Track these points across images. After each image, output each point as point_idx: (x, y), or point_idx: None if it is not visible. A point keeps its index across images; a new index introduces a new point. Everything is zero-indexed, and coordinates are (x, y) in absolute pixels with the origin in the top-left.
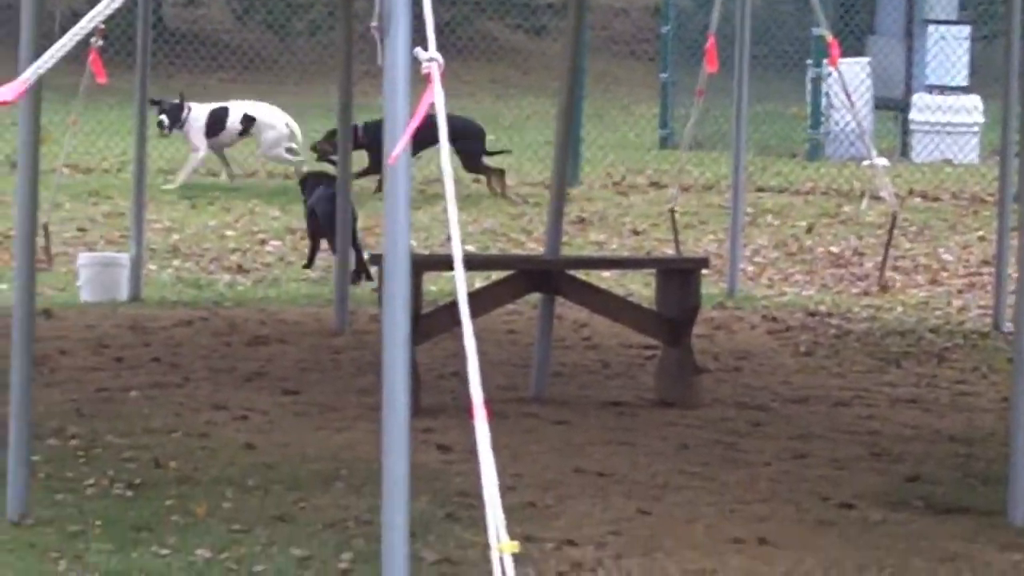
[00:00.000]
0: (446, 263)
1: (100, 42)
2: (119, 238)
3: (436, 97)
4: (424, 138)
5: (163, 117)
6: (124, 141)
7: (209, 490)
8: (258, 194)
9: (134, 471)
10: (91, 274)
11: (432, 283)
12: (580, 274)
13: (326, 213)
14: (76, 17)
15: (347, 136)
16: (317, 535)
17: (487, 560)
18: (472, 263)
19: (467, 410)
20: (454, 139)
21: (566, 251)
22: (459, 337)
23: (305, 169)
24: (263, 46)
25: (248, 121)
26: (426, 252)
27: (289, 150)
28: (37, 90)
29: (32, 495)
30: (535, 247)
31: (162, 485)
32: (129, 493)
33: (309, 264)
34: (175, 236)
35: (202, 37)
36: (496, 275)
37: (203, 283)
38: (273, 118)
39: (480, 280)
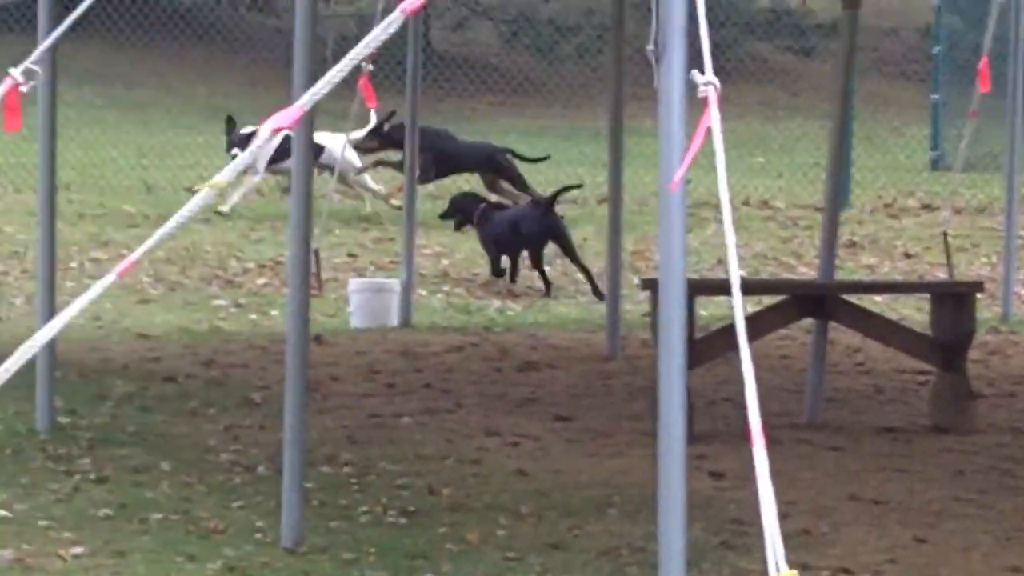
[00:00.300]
0: (719, 287)
1: (370, 67)
2: (388, 264)
3: (712, 121)
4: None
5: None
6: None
7: (482, 517)
8: None
9: (407, 498)
10: (362, 300)
11: (702, 308)
12: (852, 298)
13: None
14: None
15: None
16: (591, 563)
17: None
18: (746, 288)
19: (741, 436)
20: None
21: (837, 275)
22: (731, 362)
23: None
24: (531, 69)
25: (316, 150)
26: (695, 276)
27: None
28: (311, 116)
29: (306, 523)
30: (806, 271)
31: (435, 512)
32: (403, 520)
33: (513, 279)
34: (444, 261)
35: (471, 61)
36: (767, 300)
37: (473, 308)
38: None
39: (751, 305)
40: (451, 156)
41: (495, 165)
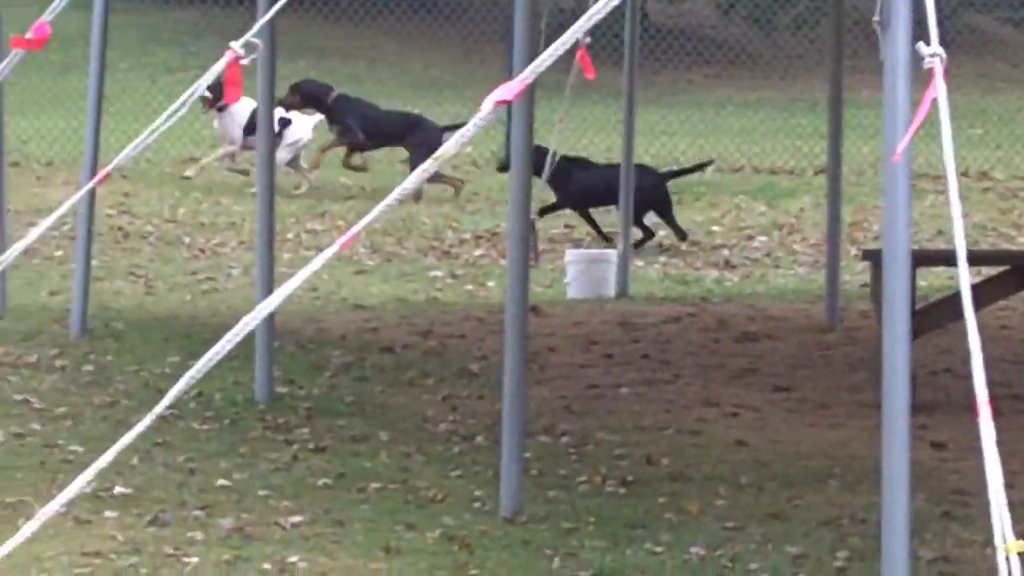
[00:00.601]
0: (941, 258)
1: (588, 39)
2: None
3: (939, 93)
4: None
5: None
6: (609, 137)
7: (702, 487)
8: (744, 189)
9: (626, 468)
10: (579, 271)
11: (921, 279)
12: None
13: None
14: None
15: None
16: (812, 533)
17: (984, 559)
18: (969, 258)
19: (962, 407)
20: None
21: None
22: (951, 333)
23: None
24: (748, 41)
25: (282, 124)
26: (915, 247)
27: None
28: (531, 89)
29: (525, 492)
30: None
31: (654, 482)
32: (622, 490)
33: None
34: (661, 232)
35: (687, 32)
36: (987, 271)
37: (690, 279)
38: (302, 126)
39: (972, 276)
40: (373, 123)
41: (418, 139)
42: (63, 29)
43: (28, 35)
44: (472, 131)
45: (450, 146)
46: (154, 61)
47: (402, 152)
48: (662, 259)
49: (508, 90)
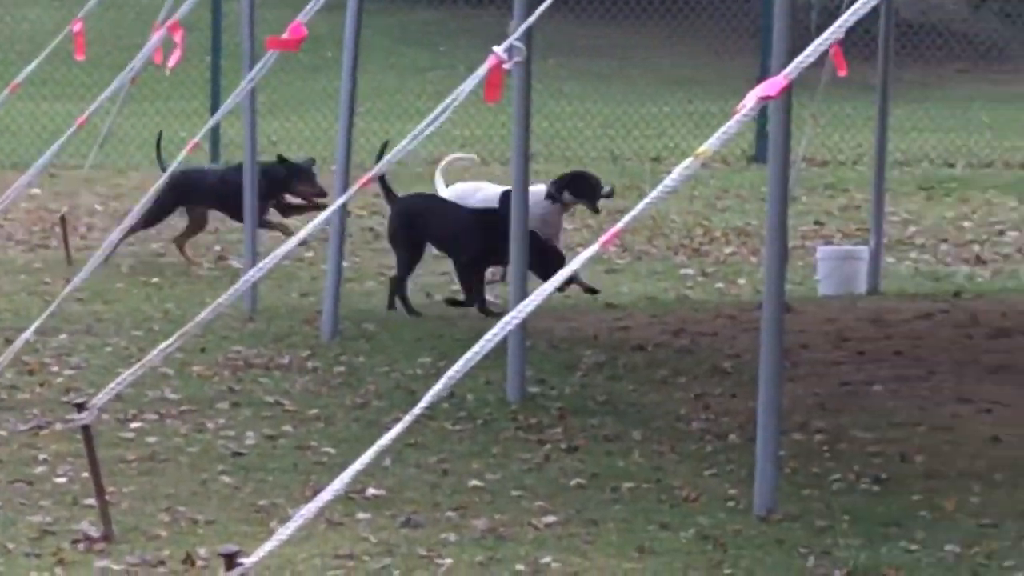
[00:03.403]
0: None
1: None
2: (855, 231)
3: None
4: None
5: None
6: (860, 134)
7: (956, 484)
8: (995, 184)
9: (880, 465)
10: (830, 267)
11: None
12: None
13: None
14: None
15: None
16: None
17: None
18: None
19: None
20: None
21: None
22: None
23: None
24: (999, 35)
25: None
26: None
27: None
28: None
29: (779, 491)
30: None
31: (908, 480)
32: (875, 488)
33: None
34: (912, 228)
35: (937, 28)
36: None
37: (941, 275)
38: None
39: None
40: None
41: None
42: (312, 30)
43: (284, 36)
44: (735, 127)
45: (712, 142)
46: (403, 61)
47: (652, 148)
48: (913, 255)
49: (771, 86)
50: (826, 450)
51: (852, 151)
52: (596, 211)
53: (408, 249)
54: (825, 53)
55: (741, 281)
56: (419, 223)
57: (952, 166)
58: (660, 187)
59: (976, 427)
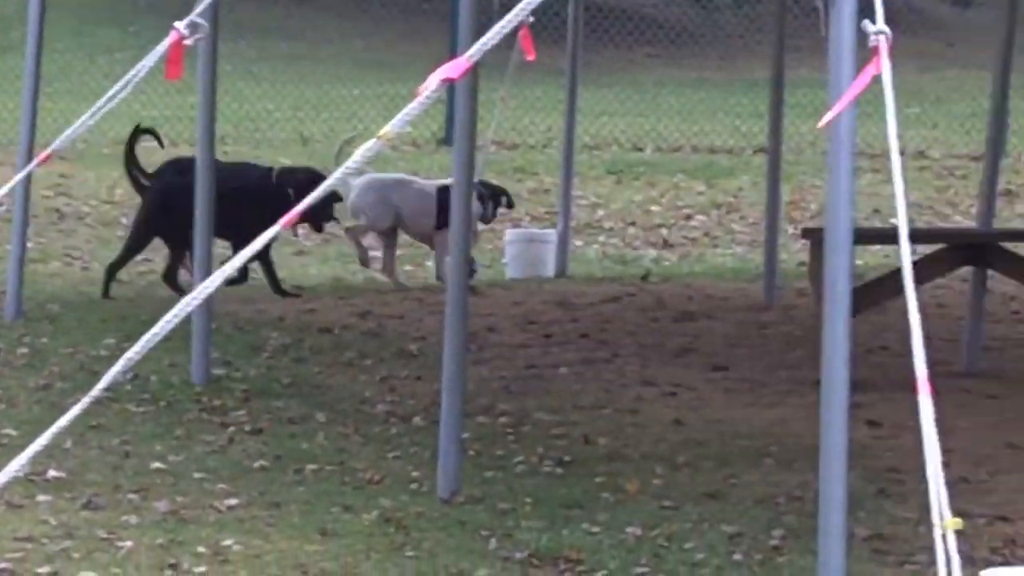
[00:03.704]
0: (880, 236)
1: (531, 19)
2: (544, 214)
3: (884, 71)
4: None
5: None
6: (550, 117)
7: (639, 467)
8: (683, 168)
9: (563, 448)
10: (517, 250)
11: (858, 257)
12: (1011, 247)
13: None
14: None
15: None
16: (747, 512)
17: (919, 536)
18: (909, 236)
19: (897, 385)
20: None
21: (995, 224)
22: (888, 312)
23: None
24: (689, 20)
25: None
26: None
27: None
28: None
29: (462, 473)
30: (961, 220)
31: (591, 462)
32: (559, 470)
33: None
34: (600, 211)
35: (628, 12)
36: (923, 249)
37: (629, 258)
38: None
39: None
40: None
41: None
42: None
43: None
44: (418, 109)
45: (395, 124)
46: (93, 41)
47: (342, 130)
48: (601, 238)
49: (454, 68)
50: (510, 433)
51: (542, 135)
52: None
53: (147, 237)
54: (515, 36)
55: (429, 264)
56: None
57: (641, 150)
58: (342, 168)
59: (660, 410)
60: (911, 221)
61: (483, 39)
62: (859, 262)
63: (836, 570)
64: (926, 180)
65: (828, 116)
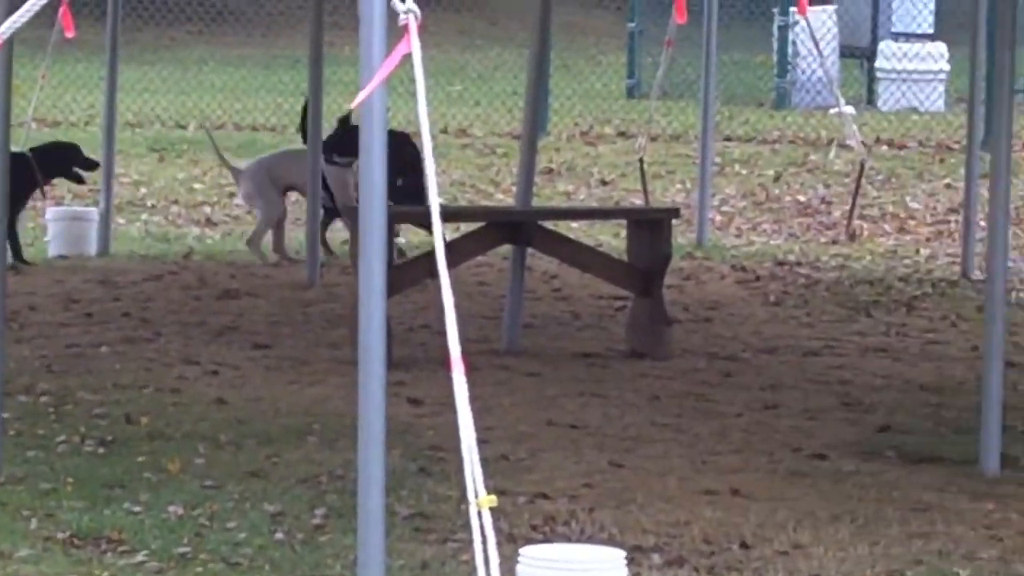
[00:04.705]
0: (418, 216)
1: None
2: (87, 192)
3: (413, 50)
4: None
5: None
6: (92, 95)
7: (181, 446)
8: (226, 146)
9: (106, 427)
10: (59, 228)
11: (410, 235)
12: (550, 225)
13: None
14: None
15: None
16: (290, 491)
17: (461, 514)
18: (445, 215)
19: (439, 363)
20: None
21: (535, 202)
22: (429, 290)
23: None
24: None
25: None
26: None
27: None
28: (8, 44)
29: (4, 453)
30: (503, 198)
31: (134, 441)
32: (101, 450)
33: None
34: (143, 189)
35: None
36: (465, 227)
37: (172, 237)
38: None
39: (450, 232)
40: None
41: None
42: None
43: None
44: None
45: None
46: None
47: None
48: (144, 216)
49: None
50: (52, 412)
51: (83, 112)
52: None
53: None
54: (55, 13)
55: None
56: None
57: (184, 128)
58: None
59: (202, 389)
60: (453, 199)
61: (15, 15)
62: (402, 240)
63: (376, 549)
64: (468, 158)
65: (361, 96)
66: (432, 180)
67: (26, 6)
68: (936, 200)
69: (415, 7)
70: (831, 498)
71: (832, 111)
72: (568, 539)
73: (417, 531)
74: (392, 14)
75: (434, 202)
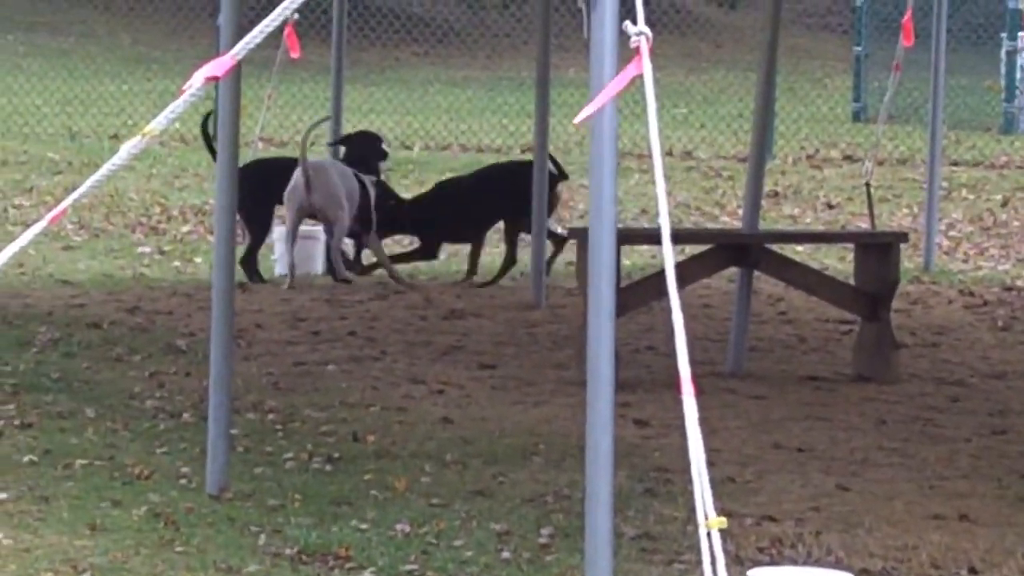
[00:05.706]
0: (646, 236)
1: (295, 16)
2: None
3: (644, 72)
4: None
5: None
6: (317, 115)
7: (407, 464)
8: (451, 167)
9: (332, 445)
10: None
11: (625, 257)
12: (776, 248)
13: None
14: None
15: None
16: (516, 510)
17: (686, 535)
18: (674, 237)
19: (665, 384)
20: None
21: (761, 225)
22: (653, 311)
23: None
24: (455, 19)
25: None
26: (620, 225)
27: None
28: (237, 64)
29: (231, 469)
30: (728, 220)
31: (361, 459)
32: (328, 467)
33: None
34: None
35: (396, 10)
36: (690, 249)
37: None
38: None
39: (676, 255)
40: None
41: None
42: None
43: None
44: (183, 106)
45: (160, 121)
46: None
47: (111, 126)
48: None
49: (218, 66)
50: (279, 429)
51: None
52: None
53: None
54: (281, 34)
55: (198, 260)
56: None
57: (409, 148)
58: (107, 165)
59: (428, 408)
60: (678, 221)
61: (247, 38)
62: (627, 262)
63: (604, 569)
64: (693, 181)
65: (583, 113)
66: (663, 202)
67: (259, 27)
68: None
69: (647, 29)
70: None
71: None
72: (795, 562)
73: (644, 552)
74: (622, 38)
75: (665, 224)
